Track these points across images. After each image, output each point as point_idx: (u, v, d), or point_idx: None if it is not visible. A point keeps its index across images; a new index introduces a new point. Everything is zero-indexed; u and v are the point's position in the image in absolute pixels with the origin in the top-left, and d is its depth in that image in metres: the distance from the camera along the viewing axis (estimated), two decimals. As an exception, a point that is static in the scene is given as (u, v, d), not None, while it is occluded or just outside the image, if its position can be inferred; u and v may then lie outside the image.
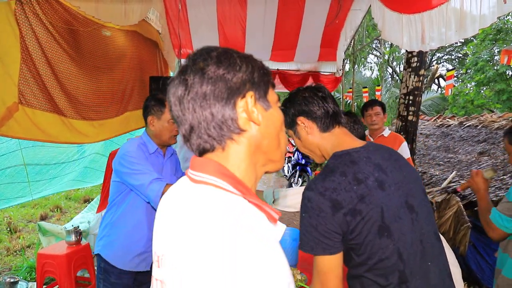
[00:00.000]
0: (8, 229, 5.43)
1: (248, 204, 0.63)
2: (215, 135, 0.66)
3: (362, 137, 1.81)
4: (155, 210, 1.96)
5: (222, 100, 0.65)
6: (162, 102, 1.97)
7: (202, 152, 0.69)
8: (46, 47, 2.75)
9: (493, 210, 1.91)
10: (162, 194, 1.78)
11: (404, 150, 3.17)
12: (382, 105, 3.27)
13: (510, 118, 5.57)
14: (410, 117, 4.45)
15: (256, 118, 0.67)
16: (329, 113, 1.22)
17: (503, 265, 1.94)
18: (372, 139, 3.25)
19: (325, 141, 1.22)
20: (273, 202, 1.69)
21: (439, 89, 17.06)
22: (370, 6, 3.73)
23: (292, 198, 1.69)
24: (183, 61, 5.56)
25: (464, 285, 3.05)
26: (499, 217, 1.85)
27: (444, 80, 14.79)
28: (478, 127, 5.61)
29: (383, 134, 3.23)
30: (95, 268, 3.31)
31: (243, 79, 0.66)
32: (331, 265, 1.05)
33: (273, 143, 0.72)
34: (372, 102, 3.28)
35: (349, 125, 1.79)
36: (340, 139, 1.20)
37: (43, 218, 6.02)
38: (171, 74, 5.37)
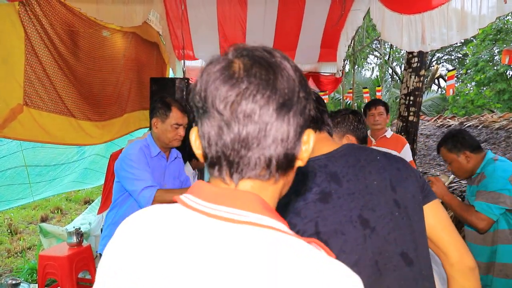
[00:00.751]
0: (9, 230, 5.44)
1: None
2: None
3: (364, 138, 1.80)
4: None
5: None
6: (169, 106, 1.97)
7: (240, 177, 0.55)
8: (50, 49, 2.77)
9: (476, 203, 2.00)
10: (154, 199, 1.81)
11: (406, 152, 3.12)
12: (385, 105, 3.21)
13: (511, 118, 5.58)
14: (410, 118, 4.46)
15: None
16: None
17: (495, 258, 2.02)
18: (374, 140, 3.21)
19: None
20: None
21: (439, 89, 17.08)
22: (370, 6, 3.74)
23: None
24: (187, 62, 5.61)
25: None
26: (487, 206, 1.95)
27: (445, 80, 14.81)
28: (479, 127, 5.62)
29: (385, 135, 3.17)
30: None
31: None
32: None
33: None
34: (376, 102, 3.23)
35: (353, 125, 1.78)
36: (314, 146, 1.15)
37: (43, 219, 6.02)
38: (171, 74, 5.39)
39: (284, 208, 0.96)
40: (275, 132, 0.52)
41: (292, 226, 0.89)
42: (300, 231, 0.94)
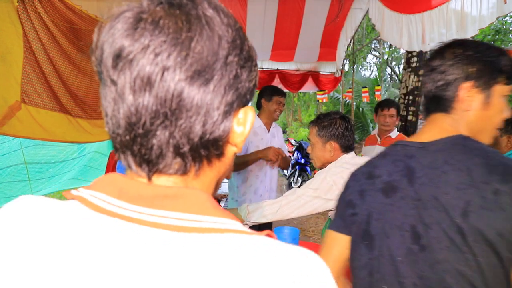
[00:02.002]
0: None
1: None
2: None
3: (349, 147, 1.74)
4: None
5: None
6: None
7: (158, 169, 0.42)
8: (49, 46, 2.75)
9: None
10: None
11: None
12: (398, 108, 3.19)
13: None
14: (409, 117, 4.47)
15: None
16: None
17: None
18: (379, 139, 3.23)
19: None
20: (247, 215, 1.67)
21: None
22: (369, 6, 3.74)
23: (269, 208, 1.68)
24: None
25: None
26: None
27: (443, 80, 14.81)
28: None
29: (390, 135, 3.18)
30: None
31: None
32: (329, 241, 0.98)
33: None
34: (389, 103, 3.19)
35: (338, 131, 1.71)
36: (422, 128, 1.01)
37: (42, 216, 6.03)
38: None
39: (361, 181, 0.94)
40: (185, 109, 0.39)
41: (352, 206, 0.95)
42: (356, 214, 0.92)
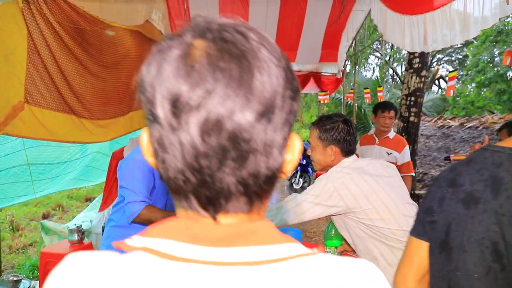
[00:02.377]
0: (11, 227, 5.44)
1: None
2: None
3: (350, 151, 1.70)
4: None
5: None
6: None
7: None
8: (54, 46, 2.76)
9: None
10: (139, 215, 1.77)
11: (405, 153, 3.23)
12: (396, 110, 3.32)
13: (511, 119, 5.56)
14: (411, 118, 4.46)
15: None
16: None
17: None
18: (377, 139, 3.28)
19: None
20: None
21: (440, 90, 17.05)
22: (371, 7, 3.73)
23: (269, 214, 1.66)
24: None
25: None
26: None
27: (445, 81, 14.79)
28: (479, 128, 5.61)
29: (388, 136, 3.25)
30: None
31: None
32: (412, 248, 0.97)
33: None
34: (388, 105, 3.30)
35: (340, 135, 1.66)
36: None
37: (45, 216, 6.03)
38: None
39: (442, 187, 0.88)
40: (253, 149, 0.39)
41: (430, 213, 0.91)
42: (435, 222, 0.88)
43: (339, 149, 1.67)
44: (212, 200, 0.40)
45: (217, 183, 0.39)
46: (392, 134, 3.28)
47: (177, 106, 0.37)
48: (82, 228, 3.32)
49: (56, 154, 4.01)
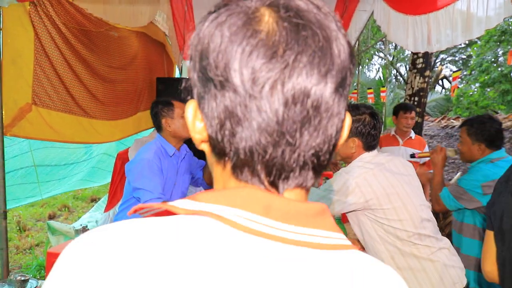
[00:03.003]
0: (18, 227, 5.47)
1: None
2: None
3: (373, 146, 1.61)
4: None
5: None
6: (168, 102, 2.00)
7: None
8: (63, 47, 2.79)
9: (444, 189, 2.18)
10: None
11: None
12: (416, 111, 3.55)
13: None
14: (415, 118, 4.43)
15: None
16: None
17: (460, 245, 2.17)
18: (401, 140, 3.35)
19: None
20: None
21: (443, 90, 16.97)
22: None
23: None
24: (188, 62, 5.68)
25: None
26: (448, 196, 2.12)
27: (449, 81, 14.71)
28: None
29: (410, 136, 3.35)
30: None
31: None
32: (487, 239, 1.19)
33: None
34: (410, 106, 3.41)
35: (366, 129, 1.56)
36: None
37: (51, 217, 6.06)
38: (177, 74, 5.39)
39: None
40: (330, 116, 0.37)
41: (492, 204, 1.15)
42: (494, 212, 1.11)
43: (361, 143, 1.58)
44: (282, 172, 0.37)
45: (294, 153, 0.36)
46: (413, 134, 3.36)
47: (257, 73, 0.35)
48: (88, 229, 3.33)
49: (62, 156, 4.03)
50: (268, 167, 0.37)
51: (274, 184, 0.38)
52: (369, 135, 1.58)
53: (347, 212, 1.61)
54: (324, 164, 0.39)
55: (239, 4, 0.37)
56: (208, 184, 2.35)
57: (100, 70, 3.26)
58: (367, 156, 1.60)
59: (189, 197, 0.38)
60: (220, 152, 0.39)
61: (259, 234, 0.35)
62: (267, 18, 0.36)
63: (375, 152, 1.63)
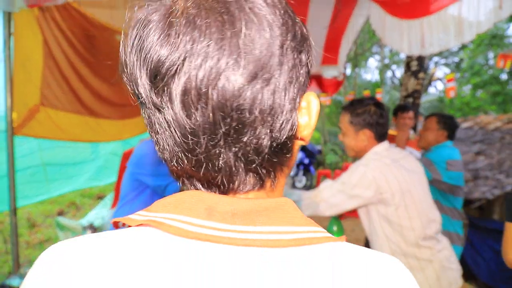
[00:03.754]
0: (28, 224, 5.49)
1: None
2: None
3: (384, 135, 1.58)
4: None
5: None
6: None
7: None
8: (69, 51, 2.81)
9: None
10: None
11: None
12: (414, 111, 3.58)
13: (505, 120, 5.52)
14: (409, 119, 4.43)
15: None
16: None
17: None
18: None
19: None
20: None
21: (437, 91, 16.97)
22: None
23: (306, 203, 1.54)
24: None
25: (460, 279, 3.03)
26: None
27: (443, 83, 14.70)
28: (474, 128, 5.57)
29: (410, 137, 3.42)
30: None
31: None
32: (507, 230, 1.29)
33: None
34: (408, 107, 3.44)
35: (373, 119, 1.53)
36: None
37: (59, 214, 6.07)
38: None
39: None
40: (248, 120, 0.31)
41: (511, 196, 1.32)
42: None
43: (372, 133, 1.55)
44: (215, 181, 0.34)
45: (215, 161, 0.32)
46: (412, 134, 3.44)
47: (156, 79, 0.30)
48: (94, 225, 3.34)
49: (70, 155, 4.04)
50: (198, 177, 0.34)
51: (214, 192, 0.35)
52: (378, 125, 1.55)
53: (360, 207, 1.56)
54: (271, 162, 0.35)
55: (151, 5, 0.34)
56: None
57: (105, 72, 3.28)
58: (380, 147, 1.56)
59: (146, 208, 0.37)
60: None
61: (200, 237, 0.32)
62: (173, 12, 0.32)
63: (386, 143, 1.59)
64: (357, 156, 1.65)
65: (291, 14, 0.34)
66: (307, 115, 0.37)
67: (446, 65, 18.55)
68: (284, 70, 0.32)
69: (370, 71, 19.04)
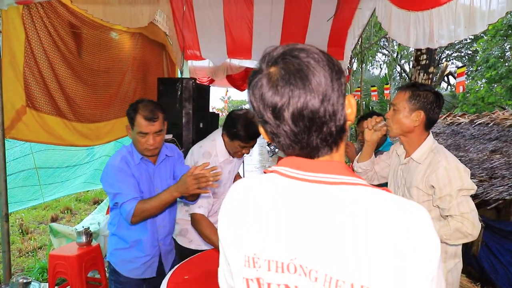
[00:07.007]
0: (20, 230, 5.51)
1: None
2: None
3: (433, 122, 1.77)
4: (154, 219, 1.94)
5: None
6: (135, 112, 1.81)
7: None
8: (50, 50, 2.79)
9: None
10: (134, 212, 1.74)
11: None
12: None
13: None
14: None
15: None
16: None
17: None
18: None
19: None
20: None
21: (449, 86, 16.87)
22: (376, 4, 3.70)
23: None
24: (194, 62, 5.63)
25: (477, 286, 3.00)
26: None
27: (454, 78, 14.59)
28: (490, 125, 5.52)
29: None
30: (106, 269, 3.33)
31: None
32: None
33: None
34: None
35: (430, 104, 1.70)
36: None
37: (53, 219, 6.09)
38: (179, 75, 5.41)
39: None
40: (323, 119, 0.65)
41: None
42: None
43: (425, 118, 1.67)
44: (310, 153, 0.68)
45: (310, 144, 0.67)
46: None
47: (275, 111, 0.65)
48: (90, 231, 3.35)
49: (64, 158, 4.04)
50: (301, 152, 0.69)
51: (310, 155, 0.69)
52: (433, 111, 1.67)
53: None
54: (337, 139, 0.68)
55: (258, 72, 0.70)
56: None
57: (89, 72, 3.29)
58: (431, 141, 1.72)
59: (277, 162, 0.77)
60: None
61: (292, 177, 0.69)
62: (273, 76, 0.66)
63: (432, 137, 1.73)
64: (398, 136, 1.75)
65: (331, 58, 0.69)
66: (350, 108, 0.70)
67: (459, 58, 18.44)
68: (335, 91, 0.65)
69: (378, 66, 18.98)
